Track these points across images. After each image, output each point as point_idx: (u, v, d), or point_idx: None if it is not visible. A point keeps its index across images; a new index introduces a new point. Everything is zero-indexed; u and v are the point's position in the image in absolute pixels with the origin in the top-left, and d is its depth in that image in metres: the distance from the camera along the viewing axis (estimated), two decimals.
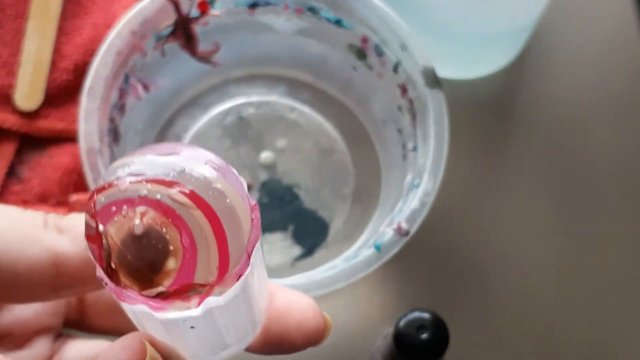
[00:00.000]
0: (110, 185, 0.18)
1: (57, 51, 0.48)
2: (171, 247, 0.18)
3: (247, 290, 0.20)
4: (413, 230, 0.39)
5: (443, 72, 0.43)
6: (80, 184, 0.46)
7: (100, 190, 0.18)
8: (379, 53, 0.44)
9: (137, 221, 0.18)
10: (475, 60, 0.52)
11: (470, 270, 0.48)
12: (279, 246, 0.45)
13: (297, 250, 0.45)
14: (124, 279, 0.18)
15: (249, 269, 0.19)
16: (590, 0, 0.56)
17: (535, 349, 0.47)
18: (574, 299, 0.48)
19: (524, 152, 0.51)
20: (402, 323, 0.37)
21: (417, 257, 0.47)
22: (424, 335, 0.36)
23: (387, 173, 0.46)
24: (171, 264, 0.18)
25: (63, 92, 0.48)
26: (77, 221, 0.22)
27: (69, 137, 0.47)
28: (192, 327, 0.19)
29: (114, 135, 0.41)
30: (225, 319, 0.20)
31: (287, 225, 0.45)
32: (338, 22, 0.44)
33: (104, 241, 0.18)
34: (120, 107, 0.42)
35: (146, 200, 0.18)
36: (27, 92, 0.47)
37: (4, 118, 0.47)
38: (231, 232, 0.18)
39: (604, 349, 0.47)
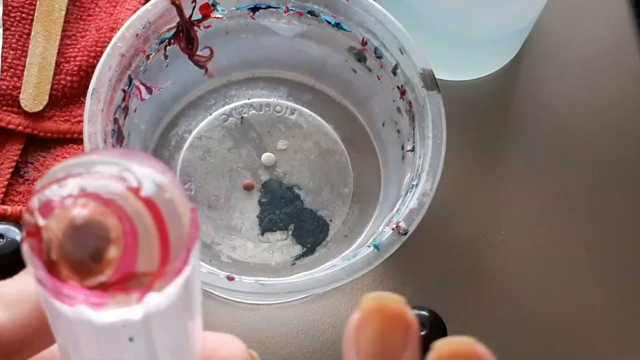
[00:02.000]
0: (50, 183, 0.19)
1: (61, 54, 0.49)
2: (112, 235, 0.18)
3: (188, 303, 0.20)
4: (411, 229, 0.39)
5: (441, 74, 0.44)
6: None
7: (40, 189, 0.19)
8: (378, 55, 0.44)
9: (77, 210, 0.18)
10: (473, 63, 0.53)
11: (468, 269, 0.48)
12: (279, 245, 0.45)
13: (297, 250, 0.45)
14: (65, 270, 0.18)
15: (189, 270, 0.19)
16: (585, 1, 0.56)
17: (532, 347, 0.47)
18: (571, 297, 0.48)
19: (521, 153, 0.51)
20: None
21: (415, 256, 0.47)
22: (422, 333, 0.37)
23: (386, 173, 0.47)
24: (113, 252, 0.18)
25: (67, 93, 0.48)
26: (3, 289, 0.22)
27: (73, 138, 0.48)
28: (130, 340, 0.19)
29: (118, 136, 0.42)
30: (164, 338, 0.20)
31: (288, 224, 0.45)
32: (338, 25, 0.44)
33: (44, 235, 0.18)
34: (124, 109, 0.42)
35: (86, 194, 0.18)
36: (33, 93, 0.48)
37: (10, 119, 0.47)
38: (172, 224, 0.19)
39: (601, 347, 0.47)
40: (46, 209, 0.18)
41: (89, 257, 0.18)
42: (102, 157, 0.19)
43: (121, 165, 0.19)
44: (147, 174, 0.19)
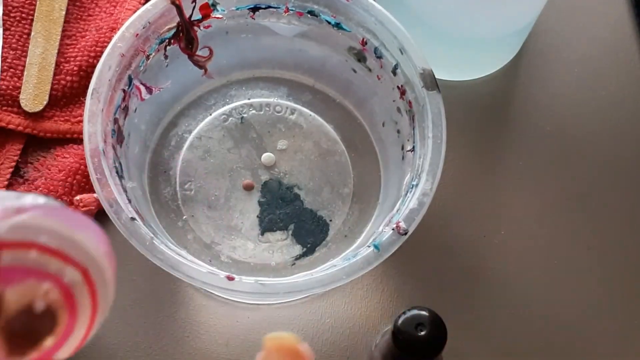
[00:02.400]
0: (20, 245, 0.18)
1: (61, 54, 0.49)
2: (58, 328, 0.19)
3: None
4: (411, 229, 0.39)
5: (441, 74, 0.44)
6: (84, 184, 0.47)
7: (8, 246, 0.18)
8: (378, 55, 0.44)
9: (41, 302, 0.18)
10: (473, 63, 0.53)
11: (468, 269, 0.48)
12: (279, 245, 0.45)
13: (297, 250, 0.45)
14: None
15: None
16: (585, 1, 0.56)
17: (532, 347, 0.47)
18: (571, 297, 0.48)
19: (521, 153, 0.51)
20: (400, 321, 0.37)
21: (415, 256, 0.47)
22: (423, 333, 0.37)
23: (386, 173, 0.47)
24: (48, 342, 0.19)
25: (67, 93, 0.48)
26: None
27: (73, 138, 0.48)
28: None
29: (118, 136, 0.42)
30: None
31: (288, 224, 0.45)
32: (338, 25, 0.44)
33: None
34: (124, 109, 0.42)
35: (52, 277, 0.19)
36: (33, 93, 0.48)
37: (10, 119, 0.47)
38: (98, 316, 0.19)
39: (601, 347, 0.47)
40: (8, 275, 0.18)
41: (28, 342, 0.18)
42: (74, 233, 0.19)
43: (73, 238, 0.19)
44: (96, 257, 0.19)
